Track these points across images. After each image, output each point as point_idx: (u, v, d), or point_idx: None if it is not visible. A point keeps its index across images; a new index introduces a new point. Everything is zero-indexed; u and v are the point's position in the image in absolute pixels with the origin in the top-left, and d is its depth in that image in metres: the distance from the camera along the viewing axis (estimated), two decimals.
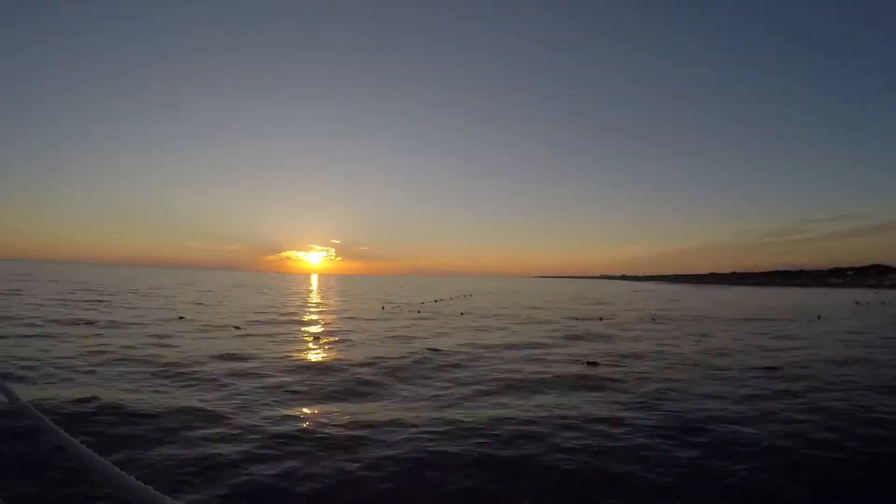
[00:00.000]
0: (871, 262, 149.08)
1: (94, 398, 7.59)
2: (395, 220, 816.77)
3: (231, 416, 7.19)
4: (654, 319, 25.19)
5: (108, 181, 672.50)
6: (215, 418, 7.05)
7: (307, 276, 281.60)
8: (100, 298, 29.67)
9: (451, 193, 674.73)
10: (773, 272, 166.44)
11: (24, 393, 5.76)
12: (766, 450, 6.33)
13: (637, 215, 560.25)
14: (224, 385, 9.08)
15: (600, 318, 25.43)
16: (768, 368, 11.70)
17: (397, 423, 7.00)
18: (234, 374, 9.97)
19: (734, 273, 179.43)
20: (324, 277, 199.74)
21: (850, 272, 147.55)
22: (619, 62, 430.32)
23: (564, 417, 7.49)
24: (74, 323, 17.47)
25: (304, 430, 6.67)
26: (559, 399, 8.73)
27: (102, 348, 12.30)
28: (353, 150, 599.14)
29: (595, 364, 12.04)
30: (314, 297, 42.91)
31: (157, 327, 17.22)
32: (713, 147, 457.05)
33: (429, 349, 13.58)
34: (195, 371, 10.17)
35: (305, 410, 7.69)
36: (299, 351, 13.24)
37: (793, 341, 17.12)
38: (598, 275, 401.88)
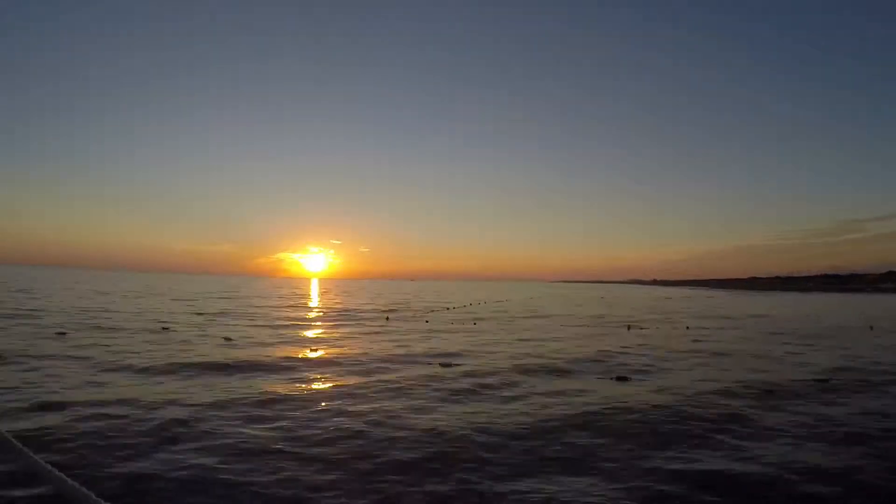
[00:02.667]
0: None
1: None
2: (400, 220, 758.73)
3: None
4: None
5: (76, 174, 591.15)
6: None
7: (301, 280, 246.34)
8: None
9: (462, 191, 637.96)
10: (820, 276, 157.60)
11: None
12: None
13: (667, 216, 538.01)
14: None
15: None
16: None
17: None
18: None
19: (776, 277, 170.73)
20: (322, 282, 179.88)
21: None
22: (645, 57, 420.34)
23: None
24: None
25: None
26: None
27: None
28: (356, 145, 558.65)
29: None
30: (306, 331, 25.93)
31: None
32: (750, 141, 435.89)
33: None
34: None
35: None
36: None
37: None
38: (626, 279, 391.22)
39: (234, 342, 16.25)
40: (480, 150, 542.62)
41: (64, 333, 16.86)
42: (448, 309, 37.46)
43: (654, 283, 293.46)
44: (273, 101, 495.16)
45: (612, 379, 11.55)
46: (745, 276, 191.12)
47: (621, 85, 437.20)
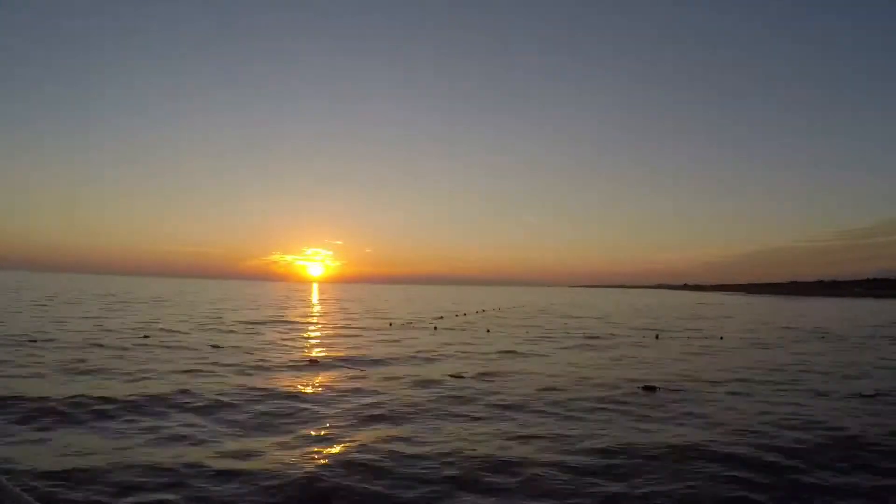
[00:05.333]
0: None
1: None
2: (405, 219, 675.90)
3: None
4: None
5: (44, 170, 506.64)
6: None
7: (304, 285, 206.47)
8: None
9: (472, 189, 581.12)
10: (869, 280, 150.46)
11: None
12: None
13: (697, 217, 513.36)
14: None
15: None
16: None
17: None
18: None
19: (820, 281, 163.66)
20: (318, 287, 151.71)
21: None
22: (672, 50, 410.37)
23: None
24: None
25: None
26: None
27: None
28: (357, 140, 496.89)
29: None
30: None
31: None
32: (782, 134, 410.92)
33: None
34: None
35: None
36: None
37: None
38: (653, 284, 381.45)
39: None
40: (497, 148, 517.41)
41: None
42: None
43: (685, 287, 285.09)
44: (270, 92, 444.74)
45: None
46: (784, 281, 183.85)
47: (642, 79, 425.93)
